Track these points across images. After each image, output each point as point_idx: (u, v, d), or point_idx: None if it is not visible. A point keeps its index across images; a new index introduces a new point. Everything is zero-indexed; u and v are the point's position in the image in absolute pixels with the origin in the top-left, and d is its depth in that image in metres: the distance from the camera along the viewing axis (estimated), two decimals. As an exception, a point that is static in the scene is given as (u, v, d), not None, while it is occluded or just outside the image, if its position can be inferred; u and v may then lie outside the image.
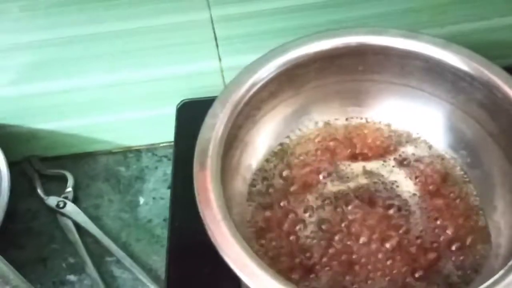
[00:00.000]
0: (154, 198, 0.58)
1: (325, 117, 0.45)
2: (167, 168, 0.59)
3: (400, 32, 0.40)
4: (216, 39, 0.51)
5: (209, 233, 0.32)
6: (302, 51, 0.41)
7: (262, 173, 0.43)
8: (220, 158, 0.36)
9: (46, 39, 0.50)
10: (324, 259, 0.38)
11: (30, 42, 0.50)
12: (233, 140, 0.40)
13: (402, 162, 0.43)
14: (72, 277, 0.53)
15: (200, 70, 0.54)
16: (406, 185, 0.42)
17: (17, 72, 0.53)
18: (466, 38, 0.48)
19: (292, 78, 0.42)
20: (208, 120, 0.37)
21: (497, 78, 0.37)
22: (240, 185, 0.42)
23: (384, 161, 0.43)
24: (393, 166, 0.43)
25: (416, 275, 0.37)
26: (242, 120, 0.40)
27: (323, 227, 0.40)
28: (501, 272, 0.30)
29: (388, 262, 0.38)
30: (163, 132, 0.58)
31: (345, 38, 0.41)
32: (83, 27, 0.50)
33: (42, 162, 0.60)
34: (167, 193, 0.57)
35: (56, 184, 0.58)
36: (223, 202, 0.34)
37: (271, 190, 0.42)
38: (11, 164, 0.54)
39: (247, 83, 0.39)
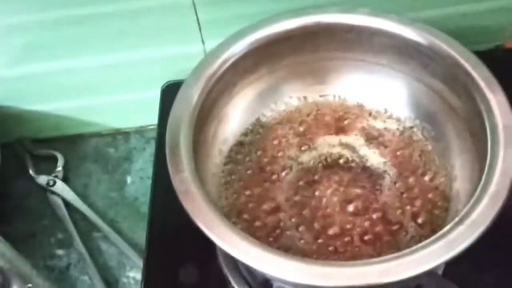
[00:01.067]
0: (141, 177, 0.60)
1: (299, 94, 0.47)
2: (154, 149, 0.61)
3: (367, 11, 0.42)
4: (198, 22, 0.53)
5: (179, 194, 0.34)
6: (275, 29, 0.43)
7: (238, 147, 0.45)
8: (193, 128, 0.38)
9: (37, 21, 0.52)
10: (292, 217, 0.40)
11: (22, 23, 0.52)
12: (208, 113, 0.42)
13: (371, 136, 0.45)
14: (60, 252, 0.55)
15: (185, 53, 0.55)
16: (375, 157, 0.44)
17: (10, 53, 0.55)
18: (442, 23, 0.50)
19: (267, 55, 0.44)
20: (182, 91, 0.39)
21: (455, 52, 0.39)
22: (216, 157, 0.44)
23: (355, 135, 0.45)
24: (363, 140, 0.45)
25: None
26: (218, 94, 0.42)
27: (295, 193, 0.42)
28: (447, 227, 0.32)
29: (348, 226, 0.40)
30: (151, 114, 0.59)
31: (316, 17, 0.43)
32: (73, 9, 0.51)
33: (34, 144, 0.62)
34: (154, 173, 0.59)
35: (46, 164, 0.60)
36: (193, 168, 0.36)
37: (247, 160, 0.44)
38: (3, 145, 0.57)
39: (221, 58, 0.41)
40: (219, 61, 0.41)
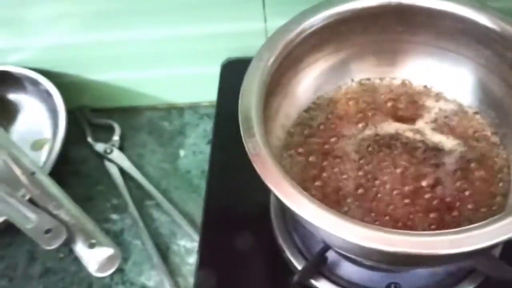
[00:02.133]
0: (194, 152, 0.61)
1: (363, 75, 0.47)
2: (207, 126, 0.63)
3: (439, -7, 0.43)
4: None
5: (251, 157, 0.35)
6: (346, 7, 0.44)
7: (301, 122, 0.46)
8: (263, 98, 0.39)
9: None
10: (353, 191, 0.41)
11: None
12: (275, 86, 0.43)
13: (435, 120, 0.45)
14: (115, 216, 0.57)
15: (246, 30, 0.56)
16: (439, 140, 0.44)
17: (77, 20, 0.57)
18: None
19: (335, 33, 0.45)
20: (254, 63, 0.40)
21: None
22: (278, 130, 0.45)
23: (418, 118, 0.46)
24: (427, 123, 0.45)
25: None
26: (285, 69, 0.43)
27: (359, 165, 0.43)
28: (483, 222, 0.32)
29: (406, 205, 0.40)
30: (206, 91, 0.61)
31: (387, -2, 0.44)
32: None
33: (92, 112, 0.64)
34: (206, 148, 0.61)
35: (104, 133, 0.63)
36: (263, 134, 0.37)
37: (308, 135, 0.45)
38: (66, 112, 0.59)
39: (294, 31, 0.42)
40: (292, 34, 0.42)
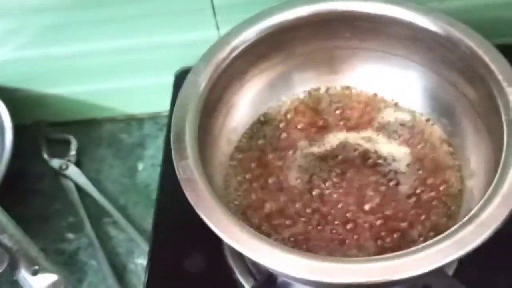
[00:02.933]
0: (153, 164, 0.59)
1: (311, 84, 0.46)
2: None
3: (385, -1, 0.41)
4: (213, 7, 0.52)
5: (181, 181, 0.34)
6: (289, 15, 0.42)
7: (247, 137, 0.44)
8: (199, 115, 0.38)
9: (56, 3, 0.52)
10: (303, 210, 0.40)
11: (41, 5, 0.52)
12: (217, 100, 0.41)
13: (385, 128, 0.43)
14: (70, 235, 0.55)
15: (199, 39, 0.54)
16: (389, 150, 0.43)
17: (29, 35, 0.55)
18: (465, 13, 0.48)
19: (280, 42, 0.43)
20: (190, 77, 0.39)
21: (473, 43, 0.37)
22: (224, 146, 0.43)
23: (368, 127, 0.44)
24: (376, 132, 0.43)
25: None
26: (227, 81, 0.41)
27: (305, 181, 0.41)
28: (455, 226, 0.30)
29: (358, 219, 0.38)
30: (165, 101, 0.59)
31: (332, 4, 0.42)
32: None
33: (50, 127, 0.62)
34: (165, 160, 0.59)
35: (61, 148, 0.60)
36: (197, 156, 0.35)
37: (255, 149, 0.43)
38: (21, 127, 0.57)
39: (231, 44, 0.40)
40: (230, 47, 0.40)
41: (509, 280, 0.40)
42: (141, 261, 0.53)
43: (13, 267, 0.44)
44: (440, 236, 0.31)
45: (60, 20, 0.54)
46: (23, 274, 0.44)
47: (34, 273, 0.44)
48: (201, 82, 0.39)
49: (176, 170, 0.34)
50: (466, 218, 0.31)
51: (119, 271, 0.52)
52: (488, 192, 0.33)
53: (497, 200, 0.31)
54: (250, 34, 0.41)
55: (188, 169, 0.34)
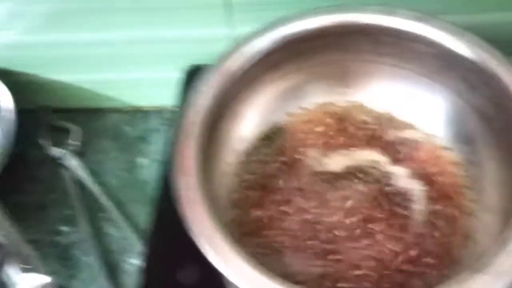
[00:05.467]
0: (154, 160, 0.58)
1: (324, 97, 0.43)
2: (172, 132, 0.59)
3: (412, 14, 0.38)
4: (231, 5, 0.50)
5: (180, 199, 0.32)
6: (308, 25, 0.39)
7: (253, 147, 0.42)
8: (207, 124, 0.36)
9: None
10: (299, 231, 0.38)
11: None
12: (225, 108, 0.39)
13: (398, 151, 0.41)
14: (65, 228, 0.54)
15: (213, 36, 0.53)
16: (401, 177, 0.40)
17: (35, 20, 0.54)
18: (494, 29, 0.45)
19: (296, 52, 0.41)
20: (200, 86, 0.36)
21: (504, 73, 0.35)
22: (229, 156, 0.41)
23: (380, 148, 0.41)
24: (389, 155, 0.41)
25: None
26: (238, 89, 0.39)
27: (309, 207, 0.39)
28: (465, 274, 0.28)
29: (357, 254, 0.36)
30: (172, 95, 0.57)
31: (355, 15, 0.39)
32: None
33: (54, 113, 0.61)
34: (169, 156, 0.57)
35: (64, 136, 0.59)
36: (200, 172, 0.33)
37: (261, 161, 0.41)
38: (25, 112, 0.55)
39: (245, 53, 0.38)
40: (244, 56, 0.38)
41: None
42: (135, 261, 0.51)
43: (2, 263, 0.43)
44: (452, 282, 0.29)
45: (70, 6, 0.52)
46: (11, 272, 0.42)
47: (26, 271, 0.42)
48: (210, 92, 0.36)
49: (176, 186, 0.32)
50: (478, 265, 0.29)
51: (112, 270, 0.51)
52: (504, 234, 0.31)
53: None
54: (266, 42, 0.39)
55: (188, 187, 0.32)
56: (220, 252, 0.30)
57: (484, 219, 0.37)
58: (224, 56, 0.38)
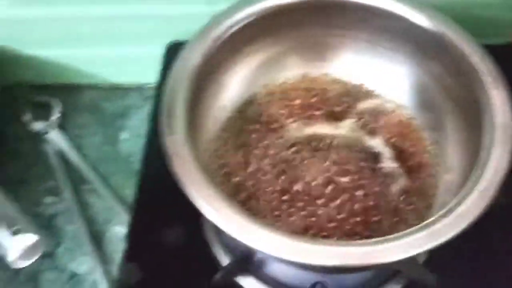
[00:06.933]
0: (136, 135, 0.59)
1: (300, 69, 0.46)
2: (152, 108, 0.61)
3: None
4: (209, -19, 0.52)
5: (169, 156, 0.34)
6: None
7: (234, 116, 0.45)
8: (191, 90, 0.38)
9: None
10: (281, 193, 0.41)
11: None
12: (208, 77, 0.41)
13: (368, 119, 0.44)
14: (49, 199, 0.55)
15: (192, 12, 0.53)
16: (370, 141, 0.44)
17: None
18: (456, 10, 0.49)
19: (271, 26, 0.43)
20: (185, 52, 0.39)
21: (463, 43, 0.39)
22: (211, 123, 0.43)
23: (352, 117, 0.45)
24: (360, 123, 0.45)
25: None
26: (221, 59, 0.42)
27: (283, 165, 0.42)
28: (432, 218, 0.32)
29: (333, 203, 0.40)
30: (151, 72, 0.58)
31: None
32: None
33: (32, 89, 0.62)
34: (149, 132, 0.59)
35: (43, 112, 0.60)
36: (186, 131, 0.35)
37: (241, 128, 0.44)
38: (2, 88, 0.56)
39: (228, 21, 0.40)
40: (226, 24, 0.40)
41: (475, 271, 0.43)
42: (118, 230, 0.53)
43: (-9, 227, 0.44)
44: (417, 226, 0.32)
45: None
46: (2, 237, 0.44)
47: (15, 233, 0.44)
48: (194, 58, 0.39)
49: (164, 144, 0.35)
50: (443, 211, 0.32)
51: (96, 239, 0.52)
52: (465, 187, 0.34)
53: (474, 195, 0.33)
54: (247, 12, 0.41)
55: (176, 144, 0.35)
56: (211, 203, 0.32)
57: (447, 178, 0.41)
58: (205, 27, 0.40)
